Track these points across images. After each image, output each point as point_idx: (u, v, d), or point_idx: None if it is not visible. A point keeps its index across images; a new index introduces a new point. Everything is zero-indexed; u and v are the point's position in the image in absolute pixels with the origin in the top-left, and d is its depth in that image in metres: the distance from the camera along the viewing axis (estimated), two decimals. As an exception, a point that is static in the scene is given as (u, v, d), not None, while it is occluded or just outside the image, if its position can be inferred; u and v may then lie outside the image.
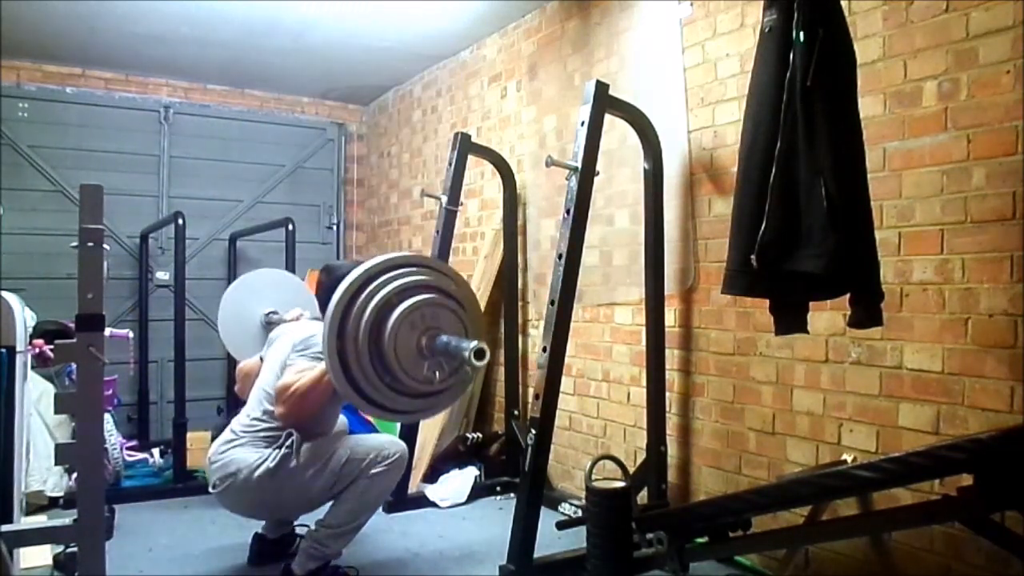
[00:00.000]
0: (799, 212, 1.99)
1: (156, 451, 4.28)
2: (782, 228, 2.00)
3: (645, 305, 3.05)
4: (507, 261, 4.00)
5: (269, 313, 3.39)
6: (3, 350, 2.20)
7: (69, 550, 2.63)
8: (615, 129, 3.23)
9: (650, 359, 3.01)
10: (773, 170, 2.01)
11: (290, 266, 4.06)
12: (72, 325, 1.82)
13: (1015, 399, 2.03)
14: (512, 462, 3.82)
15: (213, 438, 2.91)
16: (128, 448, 4.15)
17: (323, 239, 5.86)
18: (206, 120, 5.42)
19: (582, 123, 2.66)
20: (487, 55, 4.44)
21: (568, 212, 2.63)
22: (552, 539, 2.77)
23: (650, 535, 2.50)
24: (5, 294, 2.29)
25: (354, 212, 6.09)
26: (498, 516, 3.45)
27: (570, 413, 3.69)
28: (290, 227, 4.20)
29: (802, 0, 1.97)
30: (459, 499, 3.68)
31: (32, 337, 2.74)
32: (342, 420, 2.90)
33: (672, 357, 3.08)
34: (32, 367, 2.87)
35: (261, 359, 2.89)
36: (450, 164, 3.64)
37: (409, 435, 3.52)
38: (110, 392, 3.75)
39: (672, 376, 3.09)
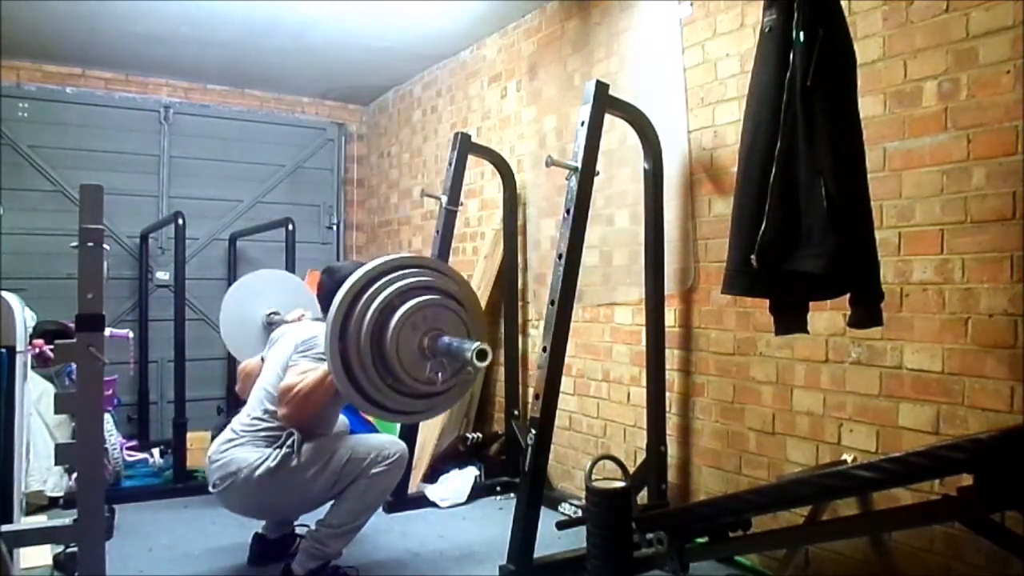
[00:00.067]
0: (799, 212, 1.99)
1: (156, 451, 4.28)
2: (782, 228, 2.00)
3: (645, 305, 3.05)
4: (507, 261, 4.00)
5: (270, 314, 3.39)
6: (3, 350, 2.20)
7: (69, 550, 2.63)
8: (615, 129, 3.23)
9: (650, 359, 3.01)
10: (773, 170, 2.01)
11: (290, 266, 4.06)
12: (72, 325, 1.82)
13: (1015, 399, 2.03)
14: (512, 462, 3.82)
15: (213, 438, 2.91)
16: (128, 448, 4.15)
17: (323, 239, 5.86)
18: (206, 120, 5.42)
19: (582, 123, 2.66)
20: (487, 55, 4.44)
21: (568, 212, 2.63)
22: (552, 539, 2.77)
23: (650, 535, 2.50)
24: (5, 294, 2.29)
25: (354, 212, 6.09)
26: (498, 516, 3.45)
27: (570, 413, 3.69)
28: (290, 227, 4.20)
29: (802, 0, 1.97)
30: (459, 499, 3.68)
31: (32, 337, 2.74)
32: (343, 420, 2.91)
33: (672, 357, 3.08)
34: (32, 367, 2.87)
35: (262, 359, 2.89)
36: (450, 164, 3.64)
37: (409, 435, 3.52)
38: (110, 392, 3.75)
39: (672, 376, 3.09)
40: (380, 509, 3.00)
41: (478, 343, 1.95)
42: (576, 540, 2.62)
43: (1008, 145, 2.06)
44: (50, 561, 2.73)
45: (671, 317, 3.09)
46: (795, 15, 1.97)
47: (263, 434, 2.59)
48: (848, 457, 2.42)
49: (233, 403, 3.98)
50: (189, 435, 3.93)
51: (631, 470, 2.87)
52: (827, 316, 2.49)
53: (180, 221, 4.02)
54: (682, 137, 3.07)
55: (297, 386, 2.51)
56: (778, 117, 2.00)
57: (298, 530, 2.90)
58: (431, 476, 3.84)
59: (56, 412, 2.32)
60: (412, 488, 3.68)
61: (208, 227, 5.32)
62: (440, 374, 2.08)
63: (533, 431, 2.56)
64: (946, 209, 2.20)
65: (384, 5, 3.88)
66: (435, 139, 5.01)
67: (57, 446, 1.87)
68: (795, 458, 2.63)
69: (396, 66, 5.00)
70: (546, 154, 2.79)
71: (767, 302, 2.21)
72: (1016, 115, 2.04)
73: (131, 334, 3.99)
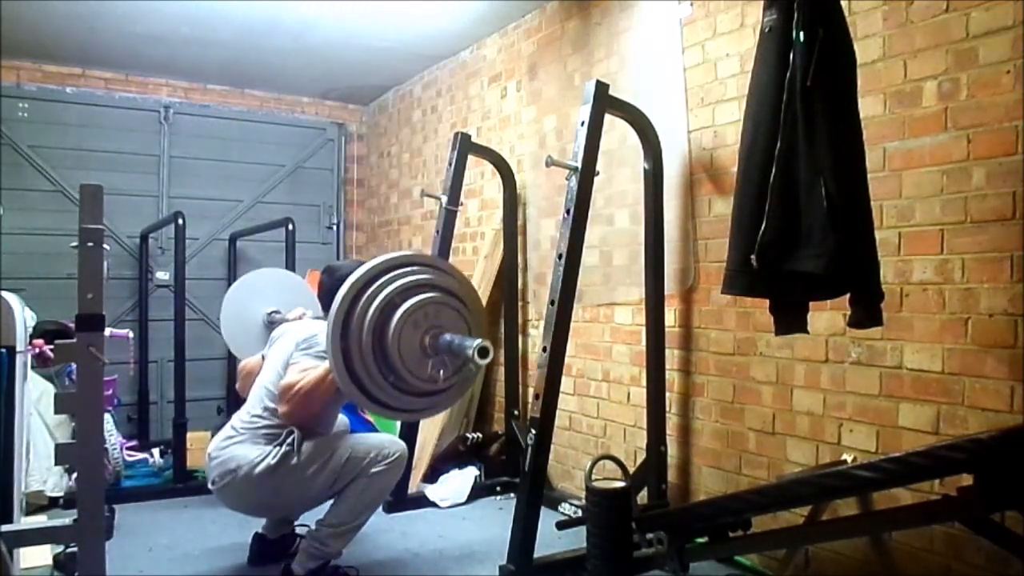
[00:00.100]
0: (799, 212, 1.99)
1: (156, 451, 4.28)
2: (782, 228, 2.00)
3: (645, 305, 3.05)
4: (507, 261, 4.00)
5: (271, 312, 3.39)
6: (3, 350, 2.20)
7: (69, 550, 2.63)
8: (615, 129, 3.23)
9: (650, 359, 3.01)
10: (773, 170, 2.01)
11: (290, 266, 4.06)
12: (72, 325, 1.82)
13: (1015, 399, 2.03)
14: (512, 462, 3.82)
15: (213, 437, 2.91)
16: (128, 448, 4.15)
17: (323, 239, 5.86)
18: (206, 120, 5.42)
19: (582, 123, 2.66)
20: (487, 55, 4.44)
21: (568, 212, 2.63)
22: (552, 539, 2.77)
23: (650, 535, 2.50)
24: (5, 294, 2.29)
25: (354, 212, 6.09)
26: (498, 516, 3.45)
27: (570, 413, 3.69)
28: (290, 227, 4.20)
29: (802, 0, 1.97)
30: (459, 499, 3.68)
31: (32, 337, 2.74)
32: (343, 420, 2.91)
33: (672, 357, 3.08)
34: (32, 367, 2.87)
35: (263, 358, 2.89)
36: (450, 164, 3.64)
37: (409, 435, 3.52)
38: (110, 392, 3.75)
39: (672, 376, 3.09)
40: (380, 509, 3.00)
41: (479, 340, 1.95)
42: (576, 540, 2.62)
43: (1008, 145, 2.06)
44: (50, 561, 2.73)
45: (671, 317, 3.09)
46: (795, 15, 1.97)
47: (263, 431, 2.59)
48: (848, 457, 2.42)
49: (233, 403, 3.98)
50: (189, 435, 3.93)
51: (631, 470, 2.87)
52: (827, 316, 2.49)
53: (180, 221, 4.03)
54: (682, 137, 3.07)
55: (298, 384, 2.51)
56: (778, 117, 2.00)
57: (298, 530, 2.90)
58: (431, 476, 3.84)
59: (56, 412, 2.32)
60: (412, 488, 3.68)
61: (208, 227, 5.32)
62: (442, 372, 2.08)
63: (533, 431, 2.56)
64: (946, 209, 2.20)
65: (384, 5, 3.88)
66: (435, 139, 5.01)
67: (57, 446, 1.87)
68: (795, 458, 2.63)
69: (396, 66, 5.00)
70: (546, 154, 2.79)
71: (767, 302, 2.21)
72: (1016, 115, 2.04)
73: (131, 334, 3.99)
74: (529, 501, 2.55)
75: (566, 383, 3.39)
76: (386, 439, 2.80)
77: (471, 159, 3.77)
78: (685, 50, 3.08)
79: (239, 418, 2.68)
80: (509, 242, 3.99)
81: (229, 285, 3.91)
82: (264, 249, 5.10)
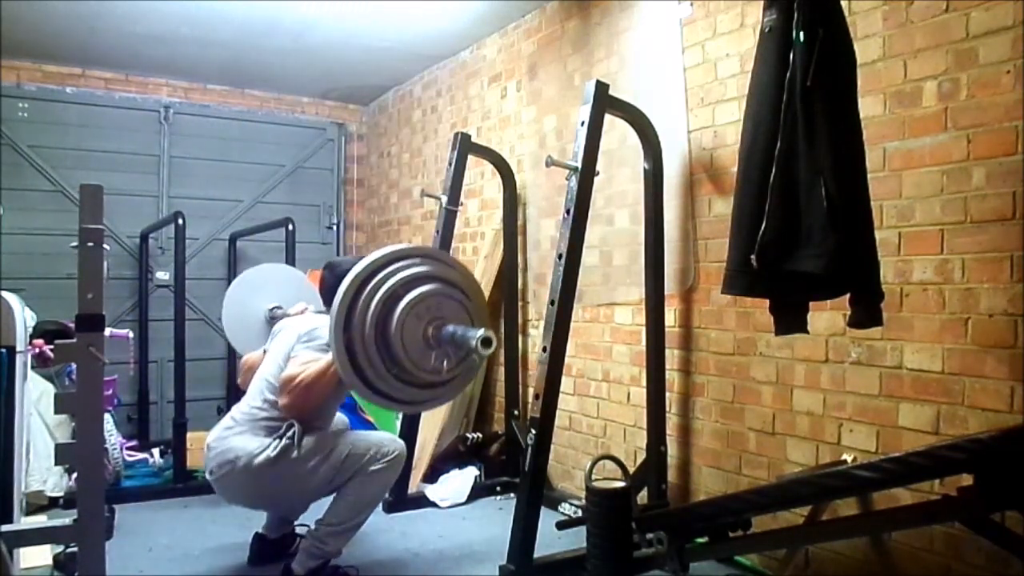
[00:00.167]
0: (799, 212, 1.99)
1: (156, 451, 4.28)
2: (782, 228, 2.00)
3: (645, 305, 3.05)
4: (507, 261, 4.00)
5: (273, 308, 3.39)
6: (3, 350, 2.20)
7: (69, 550, 2.63)
8: (615, 129, 3.23)
9: (650, 359, 3.01)
10: (773, 170, 2.01)
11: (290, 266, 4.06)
12: (72, 325, 1.82)
13: (1015, 399, 2.03)
14: (512, 462, 3.82)
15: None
16: (128, 448, 4.15)
17: (323, 239, 5.86)
18: (206, 120, 5.42)
19: (582, 123, 2.66)
20: (487, 55, 4.44)
21: (568, 212, 2.63)
22: (552, 539, 2.77)
23: (650, 535, 2.50)
24: (5, 294, 2.30)
25: (354, 212, 6.09)
26: (498, 516, 3.45)
27: (570, 413, 3.69)
28: (290, 227, 4.20)
29: (802, 0, 1.97)
30: (459, 499, 3.68)
31: (32, 337, 2.74)
32: (342, 418, 2.91)
33: (672, 357, 3.08)
34: (32, 367, 2.87)
35: (264, 352, 2.89)
36: (450, 164, 3.64)
37: (409, 435, 3.52)
38: (110, 392, 3.75)
39: (672, 376, 3.09)
40: (380, 509, 3.00)
41: (482, 330, 1.94)
42: (576, 540, 2.62)
43: (1008, 145, 2.06)
44: (50, 561, 2.73)
45: (671, 317, 3.09)
46: (795, 15, 1.97)
47: (263, 423, 2.58)
48: (848, 457, 2.42)
49: (234, 401, 3.97)
50: (189, 435, 3.92)
51: (631, 470, 2.87)
52: (827, 316, 2.49)
53: (180, 221, 4.02)
54: (682, 137, 3.07)
55: (300, 376, 2.51)
56: (778, 117, 2.00)
57: (298, 530, 2.90)
58: (431, 476, 3.84)
59: (56, 412, 2.32)
60: (412, 488, 3.68)
61: (208, 227, 5.32)
62: (445, 363, 2.07)
63: (533, 431, 2.56)
64: (946, 209, 2.20)
65: (384, 5, 3.88)
66: (435, 139, 5.01)
67: (57, 446, 1.87)
68: (795, 458, 2.63)
69: (396, 66, 5.00)
70: (546, 154, 2.79)
71: (767, 302, 2.21)
72: (1016, 115, 2.04)
73: (131, 334, 3.99)
74: (529, 501, 2.55)
75: (566, 383, 3.39)
76: (386, 437, 2.80)
77: (471, 159, 3.77)
78: (685, 50, 3.08)
79: (239, 409, 2.68)
80: (509, 242, 3.99)
81: (229, 285, 3.91)
82: (264, 249, 5.09)
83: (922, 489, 2.15)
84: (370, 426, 3.79)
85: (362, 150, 6.09)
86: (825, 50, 1.94)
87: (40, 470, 3.47)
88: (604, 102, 2.69)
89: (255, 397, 2.66)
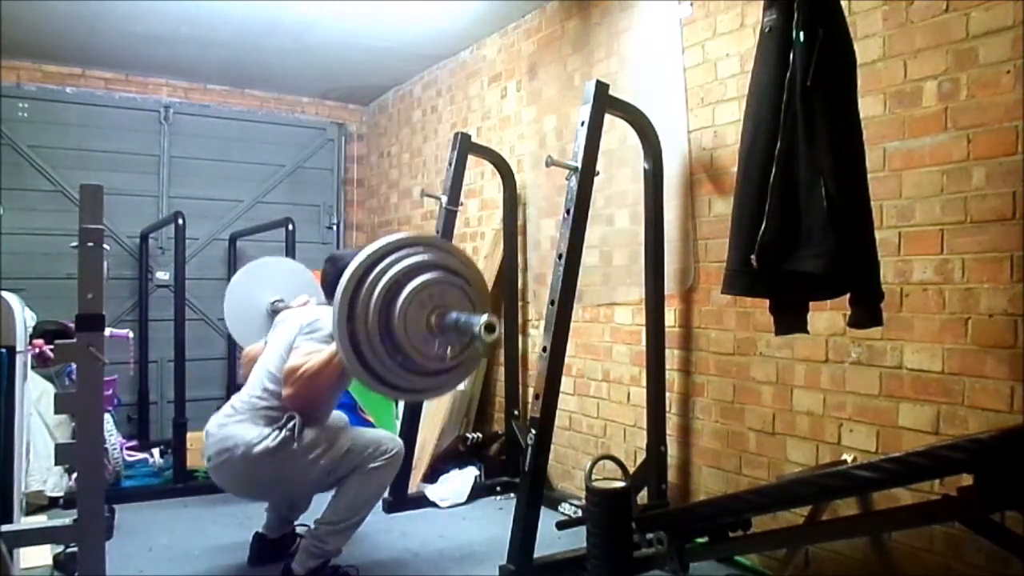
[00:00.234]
0: (799, 212, 1.99)
1: (156, 451, 4.28)
2: (782, 228, 2.00)
3: (645, 305, 3.05)
4: (507, 261, 4.00)
5: (275, 301, 3.38)
6: (3, 350, 2.20)
7: (69, 550, 2.63)
8: (615, 129, 3.23)
9: (650, 359, 3.01)
10: (773, 170, 2.01)
11: (292, 261, 4.06)
12: (72, 325, 1.82)
13: (1015, 399, 2.03)
14: (512, 462, 3.82)
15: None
16: (128, 448, 4.15)
17: (323, 239, 5.85)
18: (206, 120, 5.42)
19: (582, 123, 2.66)
20: (487, 55, 4.44)
21: (568, 212, 2.63)
22: (552, 539, 2.77)
23: (650, 535, 2.50)
24: (5, 294, 2.30)
25: (354, 212, 6.09)
26: (498, 516, 3.45)
27: (570, 413, 3.69)
28: (290, 227, 4.20)
29: (802, 0, 1.97)
30: (459, 499, 3.68)
31: (32, 337, 2.74)
32: (341, 416, 2.90)
33: (672, 357, 3.08)
34: (32, 367, 2.87)
35: (266, 343, 2.88)
36: (450, 164, 3.64)
37: (409, 434, 3.52)
38: (110, 392, 3.75)
39: (672, 376, 3.09)
40: (380, 509, 3.00)
41: (485, 316, 1.94)
42: (576, 540, 2.62)
43: (1008, 145, 2.06)
44: (50, 561, 2.73)
45: (671, 317, 3.09)
46: (795, 15, 1.97)
47: (263, 412, 2.57)
48: (848, 457, 2.42)
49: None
50: (189, 435, 3.92)
51: (631, 470, 2.87)
52: (827, 316, 2.49)
53: (180, 221, 4.03)
54: (682, 137, 3.07)
55: (302, 367, 2.50)
56: (778, 117, 2.00)
57: (298, 529, 2.90)
58: (431, 476, 3.84)
59: (56, 412, 2.32)
60: (412, 488, 3.68)
61: (208, 227, 5.31)
62: (449, 350, 2.07)
63: (533, 431, 2.56)
64: (946, 209, 2.20)
65: (384, 5, 3.88)
66: (435, 139, 5.01)
67: (57, 446, 1.87)
68: (795, 458, 2.63)
69: (396, 66, 5.00)
70: (546, 154, 2.79)
71: (767, 302, 2.21)
72: (1016, 115, 2.04)
73: (131, 334, 3.99)
74: (529, 501, 2.56)
75: (566, 383, 3.39)
76: (385, 435, 2.80)
77: (471, 159, 3.77)
78: (685, 50, 3.08)
79: (239, 397, 2.67)
80: (509, 242, 3.99)
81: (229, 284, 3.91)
82: (264, 249, 5.03)
83: (922, 489, 2.15)
84: (369, 425, 3.79)
85: (362, 150, 6.09)
86: (825, 50, 1.94)
87: (40, 470, 3.47)
88: (604, 102, 2.69)
89: (255, 386, 2.66)
